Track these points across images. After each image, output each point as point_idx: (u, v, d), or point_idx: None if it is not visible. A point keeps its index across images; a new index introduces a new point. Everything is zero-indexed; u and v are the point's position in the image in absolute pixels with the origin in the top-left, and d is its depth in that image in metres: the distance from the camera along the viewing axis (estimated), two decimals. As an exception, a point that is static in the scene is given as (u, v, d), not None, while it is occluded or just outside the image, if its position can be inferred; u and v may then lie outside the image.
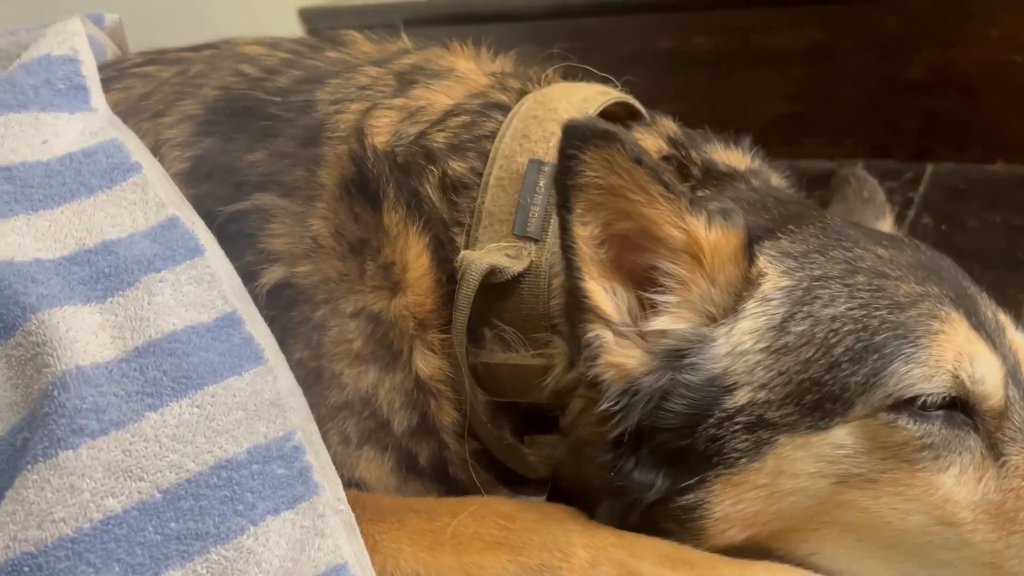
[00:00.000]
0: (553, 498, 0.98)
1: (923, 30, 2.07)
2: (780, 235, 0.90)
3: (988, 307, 0.90)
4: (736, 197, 0.97)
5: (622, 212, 0.83)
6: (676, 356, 0.85)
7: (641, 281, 0.86)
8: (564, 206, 0.82)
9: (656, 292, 0.86)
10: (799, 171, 2.25)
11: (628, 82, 1.13)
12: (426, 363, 0.96)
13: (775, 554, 0.88)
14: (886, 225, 1.19)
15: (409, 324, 0.96)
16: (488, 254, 0.95)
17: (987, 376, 0.82)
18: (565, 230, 0.83)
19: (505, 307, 0.96)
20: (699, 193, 0.98)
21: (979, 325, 0.86)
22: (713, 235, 0.83)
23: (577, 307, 0.85)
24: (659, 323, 0.86)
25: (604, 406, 0.86)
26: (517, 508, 0.92)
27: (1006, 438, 0.82)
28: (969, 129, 2.10)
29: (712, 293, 0.85)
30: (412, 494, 0.99)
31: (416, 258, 0.96)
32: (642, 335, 0.86)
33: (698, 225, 0.83)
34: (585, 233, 0.83)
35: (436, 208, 0.98)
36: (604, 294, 0.85)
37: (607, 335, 0.85)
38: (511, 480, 1.04)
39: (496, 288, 0.96)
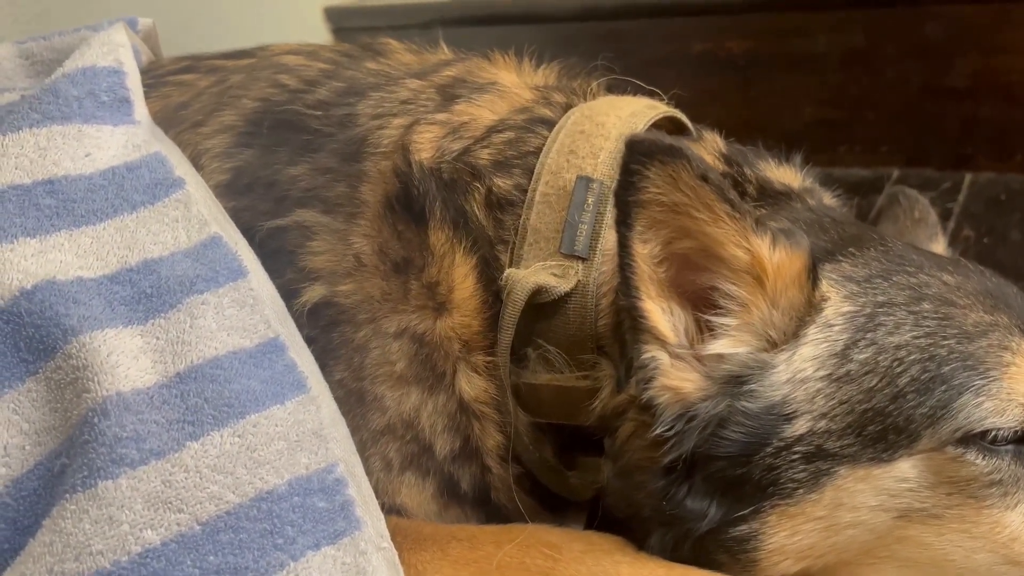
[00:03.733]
0: (596, 526, 0.96)
1: (964, 37, 2.03)
2: (841, 258, 0.87)
3: None
4: (793, 217, 0.93)
5: (684, 230, 0.80)
6: (735, 382, 0.82)
7: (699, 302, 0.83)
8: (624, 223, 0.79)
9: (715, 314, 0.83)
10: (835, 180, 2.21)
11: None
12: (471, 385, 0.93)
13: None
14: (939, 247, 1.15)
15: (455, 346, 0.93)
16: (534, 273, 0.92)
17: (1057, 410, 0.78)
18: (624, 247, 0.80)
19: (550, 327, 0.94)
20: (757, 213, 0.94)
21: None
22: (777, 256, 0.80)
23: (633, 327, 0.82)
24: (718, 346, 0.83)
25: (658, 430, 0.83)
26: (564, 538, 0.90)
27: None
28: (1010, 137, 2.06)
29: (774, 317, 0.82)
30: (452, 520, 0.97)
31: (463, 279, 0.93)
32: (699, 358, 0.83)
33: (762, 246, 0.80)
34: (645, 251, 0.80)
35: (482, 227, 0.95)
36: (661, 314, 0.82)
37: (663, 357, 0.83)
38: (554, 505, 1.01)
39: (542, 308, 0.93)
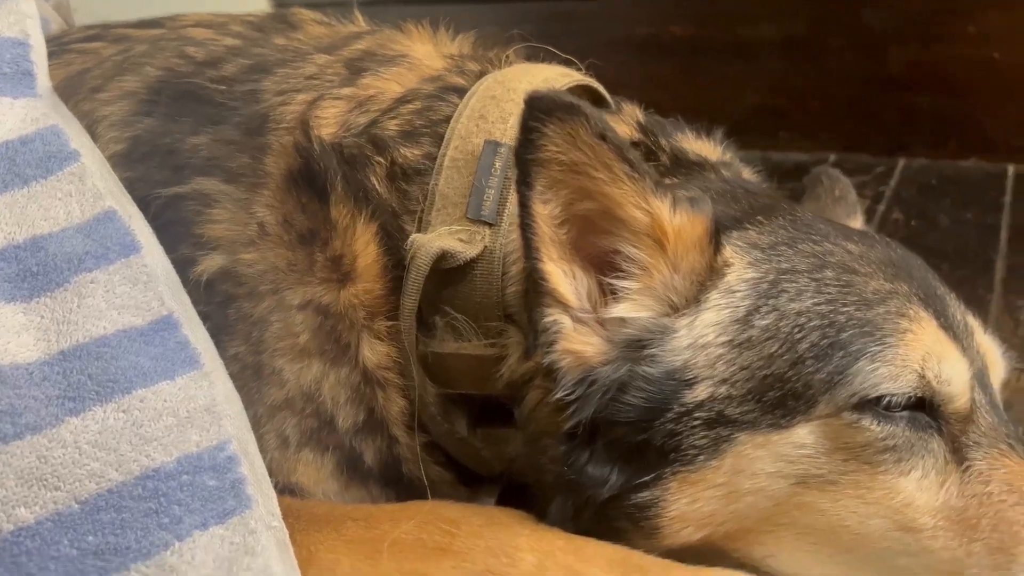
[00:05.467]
0: (507, 502, 0.95)
1: (903, 26, 2.05)
2: (748, 226, 0.86)
3: (957, 308, 0.87)
4: (705, 187, 0.93)
5: (584, 191, 0.79)
6: (635, 347, 0.81)
7: (602, 266, 0.82)
8: (524, 182, 0.78)
9: (617, 278, 0.82)
10: (773, 164, 2.23)
11: (594, 67, 1.10)
12: (373, 352, 0.92)
13: (730, 556, 0.84)
14: (857, 224, 1.16)
15: (359, 314, 0.91)
16: (439, 237, 0.90)
17: (954, 377, 0.78)
18: (524, 208, 0.78)
19: (457, 294, 0.92)
20: (667, 181, 0.94)
21: (948, 326, 0.82)
22: (678, 220, 0.80)
23: (535, 290, 0.81)
24: (619, 310, 0.82)
25: (559, 395, 0.82)
26: (463, 513, 0.88)
27: (970, 442, 0.79)
28: (945, 125, 2.09)
29: (675, 281, 0.81)
30: (355, 500, 0.94)
31: (365, 246, 0.92)
32: (601, 322, 0.82)
33: (662, 208, 0.79)
34: (545, 212, 0.78)
35: (385, 199, 0.94)
36: (563, 277, 0.80)
37: (565, 321, 0.81)
38: (469, 480, 1.00)
39: (448, 274, 0.91)
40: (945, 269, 1.56)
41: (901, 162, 2.10)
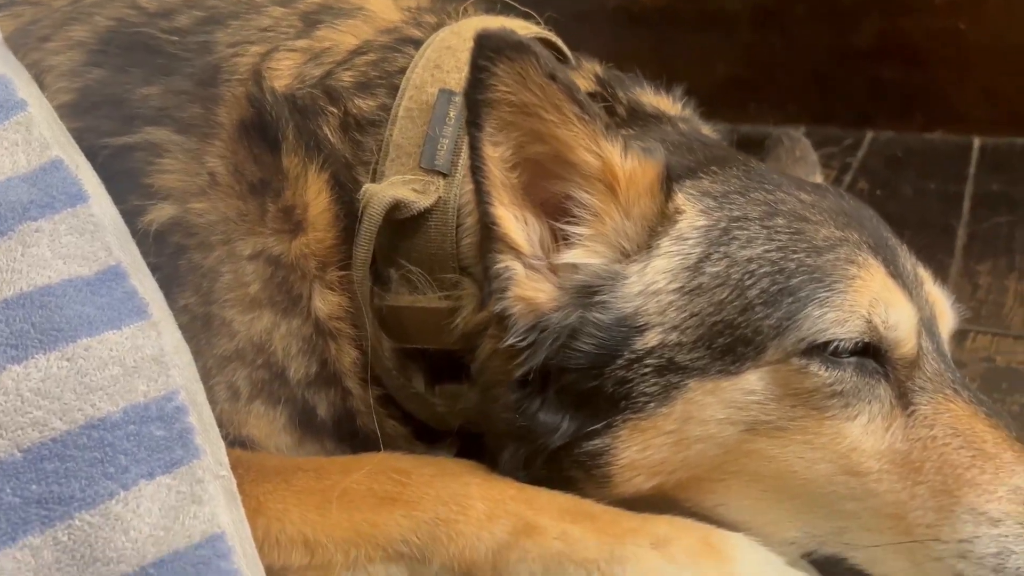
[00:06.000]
0: (465, 458, 0.94)
1: (871, -2, 2.06)
2: (702, 175, 0.86)
3: (907, 259, 0.87)
4: (661, 138, 0.92)
5: (535, 133, 0.78)
6: (587, 293, 0.81)
7: (554, 212, 0.82)
8: (474, 123, 0.77)
9: (569, 224, 0.81)
10: (742, 136, 2.23)
11: (565, 39, 1.09)
12: (325, 302, 0.91)
13: (682, 505, 0.84)
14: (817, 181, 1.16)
15: (310, 264, 0.90)
16: (392, 187, 0.90)
17: (901, 323, 0.79)
18: (475, 150, 0.78)
19: (412, 246, 0.91)
20: (622, 132, 0.93)
21: (896, 274, 0.83)
22: (629, 164, 0.79)
23: (487, 235, 0.81)
24: (570, 256, 0.81)
25: (510, 341, 0.81)
26: (414, 463, 0.88)
27: (916, 387, 0.79)
28: (911, 98, 2.10)
29: (626, 227, 0.81)
30: (309, 455, 0.93)
31: (316, 195, 0.91)
32: (553, 269, 0.82)
33: (613, 152, 0.78)
34: (496, 155, 0.78)
35: (337, 149, 0.93)
36: (514, 222, 0.80)
37: (517, 267, 0.81)
38: (427, 436, 0.99)
39: (402, 225, 0.91)
40: (907, 236, 1.55)
41: (869, 135, 2.11)
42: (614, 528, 0.80)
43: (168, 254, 0.90)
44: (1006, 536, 0.73)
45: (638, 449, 0.82)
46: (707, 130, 1.08)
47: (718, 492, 0.84)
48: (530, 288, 0.81)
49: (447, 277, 0.90)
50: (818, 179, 1.17)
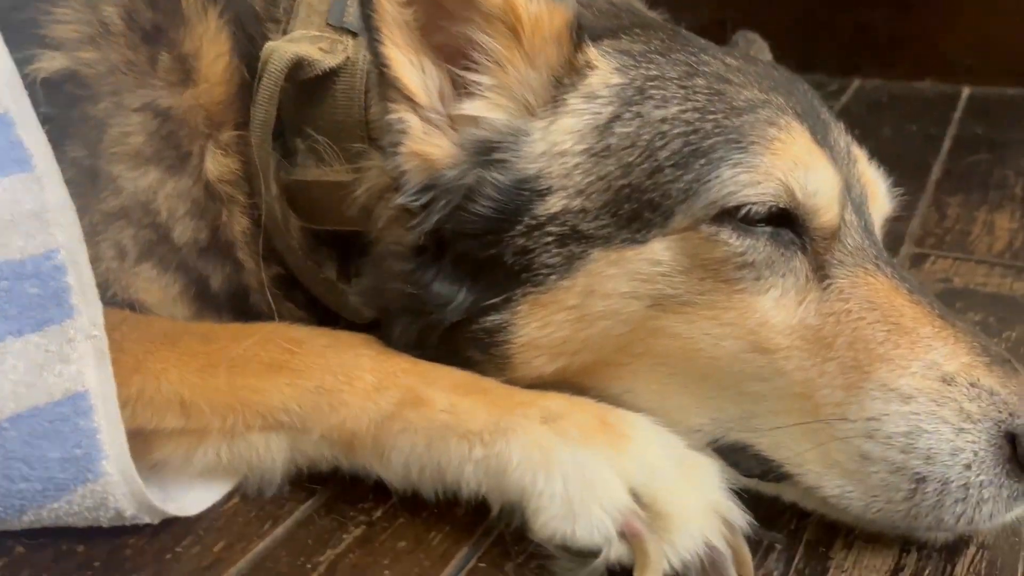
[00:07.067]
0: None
1: (860, -63, 1.98)
2: (623, 35, 0.80)
3: (841, 135, 0.81)
4: (585, 3, 0.86)
5: None
6: (486, 150, 0.75)
7: (455, 58, 0.75)
8: None
9: (470, 71, 0.75)
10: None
11: None
12: (215, 163, 0.85)
13: (589, 393, 0.79)
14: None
15: (200, 119, 0.84)
16: (295, 44, 0.84)
17: (822, 189, 0.72)
18: None
19: (319, 113, 0.86)
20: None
21: (824, 143, 0.77)
22: (535, 7, 0.73)
23: (379, 81, 0.75)
24: (470, 108, 0.75)
25: (400, 200, 0.76)
26: (308, 334, 0.82)
27: (835, 261, 0.73)
28: (900, 45, 2.02)
29: (531, 77, 0.75)
30: None
31: (212, 45, 0.85)
32: (453, 122, 0.76)
33: None
34: None
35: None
36: (409, 67, 0.74)
37: (412, 119, 0.75)
38: (334, 326, 0.94)
39: (310, 90, 0.85)
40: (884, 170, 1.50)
41: (856, 82, 2.04)
42: (505, 401, 0.75)
43: (60, 105, 0.84)
44: (917, 414, 0.66)
45: (538, 326, 0.76)
46: (653, 16, 1.02)
47: (625, 377, 0.78)
48: (426, 142, 0.75)
49: (355, 147, 0.84)
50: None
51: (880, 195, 0.82)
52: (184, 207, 0.85)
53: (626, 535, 0.67)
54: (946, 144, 1.62)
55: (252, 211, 0.86)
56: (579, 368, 0.78)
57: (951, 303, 1.08)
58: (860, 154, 0.82)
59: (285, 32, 0.87)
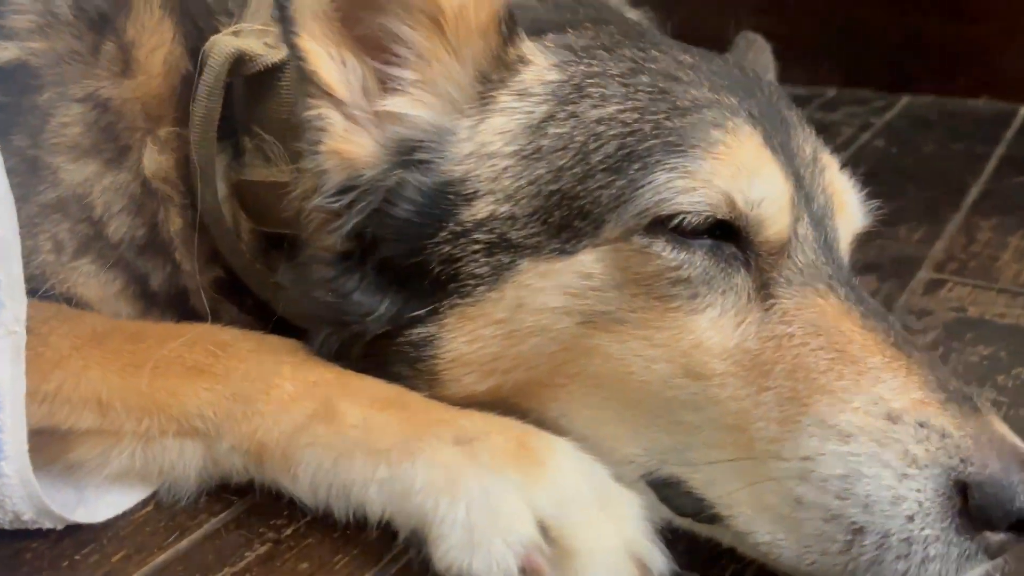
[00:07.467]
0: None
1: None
2: (570, 30, 0.74)
3: (806, 140, 0.73)
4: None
5: None
6: (408, 150, 0.70)
7: (379, 52, 0.71)
8: None
9: (394, 65, 0.71)
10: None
11: None
12: (152, 160, 0.82)
13: (527, 415, 0.73)
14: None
15: (138, 112, 0.82)
16: (238, 38, 0.81)
17: (768, 198, 0.65)
18: None
19: (266, 111, 0.82)
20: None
21: (778, 148, 0.69)
22: None
23: (298, 76, 0.71)
24: (393, 104, 0.71)
25: (317, 201, 0.72)
26: (236, 337, 0.79)
27: (781, 279, 0.65)
28: (956, 60, 1.89)
29: (457, 73, 0.70)
30: None
31: (151, 34, 0.82)
32: (376, 120, 0.72)
33: None
34: None
35: None
36: (328, 60, 0.70)
37: (333, 116, 0.71)
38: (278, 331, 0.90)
39: (256, 87, 0.82)
40: (910, 190, 1.40)
41: (905, 98, 1.92)
42: (422, 418, 0.70)
43: (11, 95, 0.83)
44: (856, 455, 0.58)
45: (466, 341, 0.71)
46: (634, 14, 0.96)
47: (561, 400, 0.72)
48: (346, 140, 0.71)
49: (297, 146, 0.80)
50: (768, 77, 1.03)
51: (850, 207, 0.74)
52: (121, 203, 0.83)
53: (526, 572, 0.61)
54: (991, 164, 1.50)
55: (188, 211, 0.83)
56: (514, 388, 0.73)
57: (961, 334, 0.98)
58: (830, 162, 0.74)
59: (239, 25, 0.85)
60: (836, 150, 1.58)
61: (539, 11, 0.78)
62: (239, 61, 0.80)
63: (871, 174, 1.40)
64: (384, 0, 0.69)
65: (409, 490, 0.65)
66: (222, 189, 0.84)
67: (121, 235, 0.83)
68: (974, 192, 1.39)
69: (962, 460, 0.57)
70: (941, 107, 1.84)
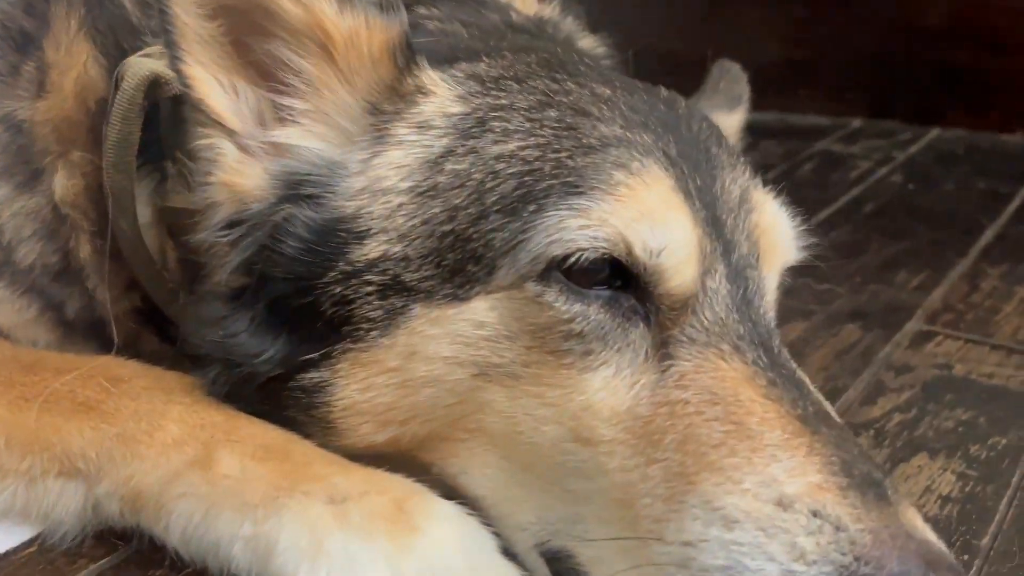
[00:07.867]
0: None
1: (945, -31, 1.77)
2: (484, 59, 0.69)
3: (736, 181, 0.66)
4: (469, 22, 0.76)
5: None
6: (296, 183, 0.66)
7: (272, 79, 0.67)
8: None
9: (285, 94, 0.67)
10: (788, 127, 1.98)
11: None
12: (60, 184, 0.80)
13: (431, 470, 0.68)
14: (736, 117, 0.96)
15: (46, 132, 0.80)
16: (154, 60, 0.78)
17: (670, 248, 0.59)
18: None
19: (187, 135, 0.79)
20: (421, 10, 0.77)
21: (693, 193, 0.63)
22: (348, 22, 0.64)
23: (189, 104, 0.67)
24: (282, 135, 0.66)
25: (203, 235, 0.68)
26: (132, 372, 0.75)
27: (683, 338, 0.59)
28: (988, 89, 1.79)
29: (349, 103, 0.65)
30: None
31: (66, 54, 0.80)
32: (273, 149, 0.67)
33: (321, 2, 0.63)
34: None
35: (125, 9, 0.81)
36: (217, 88, 0.66)
37: (226, 146, 0.67)
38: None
39: (178, 111, 0.79)
40: (919, 230, 1.30)
41: (934, 131, 1.82)
42: (300, 472, 0.65)
43: None
44: (740, 544, 0.51)
45: (359, 388, 0.66)
46: (589, 40, 0.91)
47: (461, 456, 0.66)
48: (238, 172, 0.67)
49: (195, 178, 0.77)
50: (737, 114, 0.97)
51: (781, 245, 0.67)
52: (31, 228, 0.80)
53: (382, 653, 0.55)
54: (1012, 206, 1.40)
55: (98, 239, 0.80)
56: (413, 440, 0.67)
57: (940, 395, 0.89)
58: (761, 201, 0.67)
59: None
60: (849, 185, 1.50)
61: (459, 38, 0.73)
62: (155, 84, 0.77)
63: (879, 212, 1.31)
64: (271, 26, 0.65)
65: (272, 551, 0.61)
66: (146, 215, 0.80)
67: (31, 261, 0.81)
68: (988, 235, 1.29)
69: (856, 558, 0.49)
70: (970, 142, 1.73)
